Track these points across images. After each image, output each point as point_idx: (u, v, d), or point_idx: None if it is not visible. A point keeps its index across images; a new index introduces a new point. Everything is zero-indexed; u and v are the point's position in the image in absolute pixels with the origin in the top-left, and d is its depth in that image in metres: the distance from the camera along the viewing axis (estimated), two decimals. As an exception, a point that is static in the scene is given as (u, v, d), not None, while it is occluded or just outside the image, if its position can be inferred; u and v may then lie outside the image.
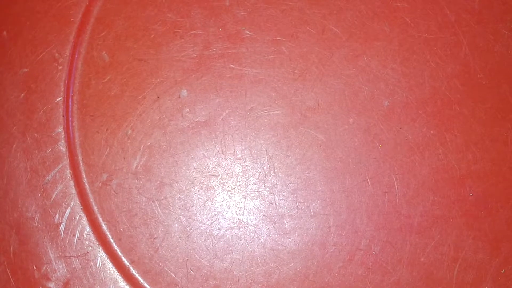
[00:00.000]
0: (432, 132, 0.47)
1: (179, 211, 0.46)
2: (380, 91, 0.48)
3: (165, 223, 0.46)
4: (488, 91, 0.48)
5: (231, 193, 0.47)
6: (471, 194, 0.46)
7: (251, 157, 0.47)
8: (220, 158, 0.47)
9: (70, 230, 0.46)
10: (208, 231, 0.46)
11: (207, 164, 0.47)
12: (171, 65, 0.48)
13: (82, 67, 0.48)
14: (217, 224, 0.46)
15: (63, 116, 0.48)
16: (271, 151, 0.47)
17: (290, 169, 0.47)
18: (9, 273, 0.46)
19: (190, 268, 0.46)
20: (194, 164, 0.47)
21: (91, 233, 0.46)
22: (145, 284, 0.46)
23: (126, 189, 0.47)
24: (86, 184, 0.47)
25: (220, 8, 0.49)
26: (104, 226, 0.46)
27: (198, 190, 0.47)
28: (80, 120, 0.48)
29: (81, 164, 0.47)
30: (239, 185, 0.47)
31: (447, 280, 0.46)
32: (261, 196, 0.47)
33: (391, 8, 0.49)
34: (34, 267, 0.46)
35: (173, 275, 0.46)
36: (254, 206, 0.47)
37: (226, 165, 0.47)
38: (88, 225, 0.46)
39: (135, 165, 0.47)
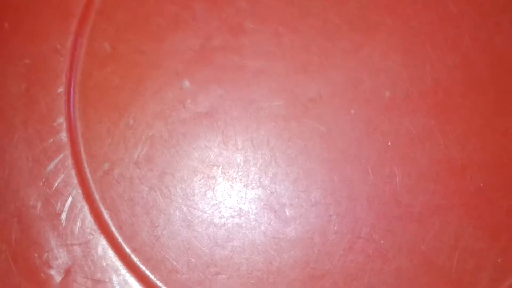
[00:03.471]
0: (433, 123, 0.47)
1: (180, 200, 0.47)
2: (381, 83, 0.48)
3: (167, 212, 0.46)
4: (489, 83, 0.48)
5: (233, 183, 0.47)
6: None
7: (253, 147, 0.47)
8: (222, 149, 0.47)
9: (72, 218, 0.47)
10: (209, 219, 0.46)
11: (209, 154, 0.47)
12: (172, 56, 0.48)
13: (84, 58, 0.48)
14: (218, 213, 0.46)
15: (65, 107, 0.48)
16: (273, 142, 0.47)
17: (291, 159, 0.47)
18: (10, 261, 0.46)
19: (191, 256, 0.46)
20: (196, 154, 0.47)
21: (92, 221, 0.47)
22: (147, 272, 0.46)
23: (128, 178, 0.47)
24: (87, 173, 0.47)
25: (222, 0, 0.49)
26: (106, 215, 0.46)
27: (200, 180, 0.47)
28: (82, 111, 0.48)
29: (82, 154, 0.47)
30: (241, 175, 0.47)
31: (447, 268, 0.46)
32: (262, 186, 0.47)
33: (392, 0, 0.49)
34: (36, 255, 0.46)
35: (174, 262, 0.46)
36: (255, 195, 0.47)
37: (228, 155, 0.47)
38: (89, 214, 0.47)
39: (136, 155, 0.47)
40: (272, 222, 0.46)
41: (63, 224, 0.46)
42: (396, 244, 0.46)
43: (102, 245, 0.46)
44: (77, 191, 0.47)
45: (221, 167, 0.47)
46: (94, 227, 0.46)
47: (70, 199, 0.47)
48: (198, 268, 0.46)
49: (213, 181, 0.47)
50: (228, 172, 0.47)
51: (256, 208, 0.47)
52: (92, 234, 0.46)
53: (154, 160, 0.47)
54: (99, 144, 0.47)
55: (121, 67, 0.48)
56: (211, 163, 0.47)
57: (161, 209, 0.46)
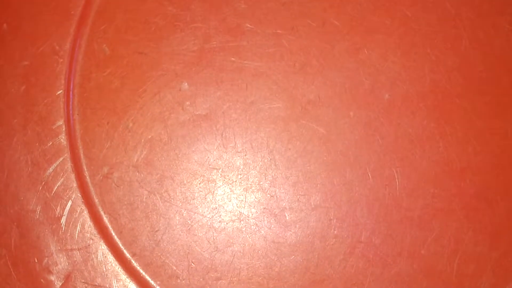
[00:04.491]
0: (432, 125, 0.47)
1: (180, 204, 0.47)
2: (380, 84, 0.48)
3: (166, 216, 0.46)
4: (488, 84, 0.48)
5: (232, 186, 0.47)
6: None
7: (252, 150, 0.47)
8: (221, 151, 0.47)
9: (72, 223, 0.47)
10: (209, 224, 0.46)
11: (208, 157, 0.47)
12: (171, 58, 0.48)
13: (83, 60, 0.48)
14: (218, 217, 0.46)
15: (64, 109, 0.48)
16: (272, 144, 0.47)
17: (291, 162, 0.47)
18: (10, 266, 0.46)
19: (191, 261, 0.46)
20: (195, 157, 0.47)
21: (92, 226, 0.46)
22: (147, 277, 0.46)
23: (127, 182, 0.47)
24: (87, 177, 0.47)
25: (220, 1, 0.49)
26: (106, 219, 0.46)
27: (199, 183, 0.47)
28: (81, 113, 0.48)
29: (82, 157, 0.47)
30: (240, 178, 0.47)
31: (447, 272, 0.46)
32: (262, 189, 0.47)
33: (391, 1, 0.49)
34: (36, 260, 0.46)
35: (174, 267, 0.46)
36: (255, 199, 0.47)
37: (227, 158, 0.47)
38: (89, 218, 0.47)
39: (136, 158, 0.47)
40: (272, 226, 0.46)
41: (63, 229, 0.46)
42: (396, 248, 0.46)
43: (102, 250, 0.46)
44: (76, 195, 0.47)
45: (220, 170, 0.47)
46: (94, 231, 0.46)
47: (69, 203, 0.47)
48: (198, 273, 0.46)
49: (213, 184, 0.47)
50: (227, 175, 0.47)
51: (256, 212, 0.46)
52: (92, 239, 0.46)
53: (153, 163, 0.47)
54: (99, 147, 0.47)
55: (120, 69, 0.48)
56: (210, 166, 0.47)
57: (160, 213, 0.46)
